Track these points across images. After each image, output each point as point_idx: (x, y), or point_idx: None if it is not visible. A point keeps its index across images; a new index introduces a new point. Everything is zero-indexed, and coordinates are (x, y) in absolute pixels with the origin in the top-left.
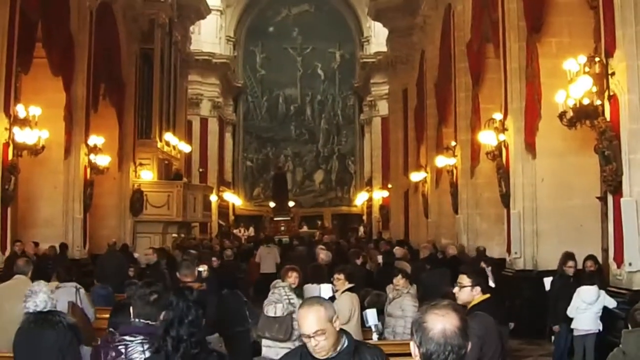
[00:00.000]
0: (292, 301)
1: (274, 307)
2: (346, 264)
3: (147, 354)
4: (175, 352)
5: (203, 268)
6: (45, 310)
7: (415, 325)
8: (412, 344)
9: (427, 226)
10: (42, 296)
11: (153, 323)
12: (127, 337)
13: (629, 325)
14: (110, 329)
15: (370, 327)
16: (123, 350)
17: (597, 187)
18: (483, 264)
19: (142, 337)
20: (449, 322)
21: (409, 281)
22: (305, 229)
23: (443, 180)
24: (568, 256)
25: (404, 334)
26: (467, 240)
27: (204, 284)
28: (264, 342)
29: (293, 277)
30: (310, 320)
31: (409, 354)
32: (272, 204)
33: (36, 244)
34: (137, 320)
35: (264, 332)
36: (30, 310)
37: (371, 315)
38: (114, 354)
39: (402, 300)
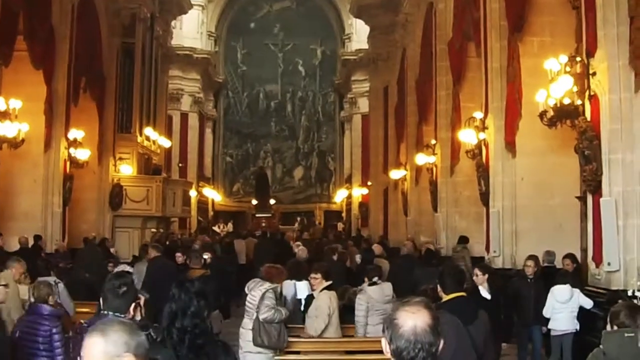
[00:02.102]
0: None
1: (273, 314)
2: (322, 261)
3: None
4: (182, 344)
5: (207, 255)
6: None
7: (387, 322)
8: (383, 340)
9: (406, 224)
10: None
11: (122, 316)
12: None
13: (611, 326)
14: (82, 321)
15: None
16: None
17: (577, 187)
18: (478, 271)
19: None
20: (420, 319)
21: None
22: (295, 226)
23: (423, 178)
24: (529, 257)
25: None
26: (447, 238)
27: (208, 270)
28: (247, 348)
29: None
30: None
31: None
32: (254, 202)
33: None
34: (106, 312)
35: (262, 340)
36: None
37: None
38: (81, 345)
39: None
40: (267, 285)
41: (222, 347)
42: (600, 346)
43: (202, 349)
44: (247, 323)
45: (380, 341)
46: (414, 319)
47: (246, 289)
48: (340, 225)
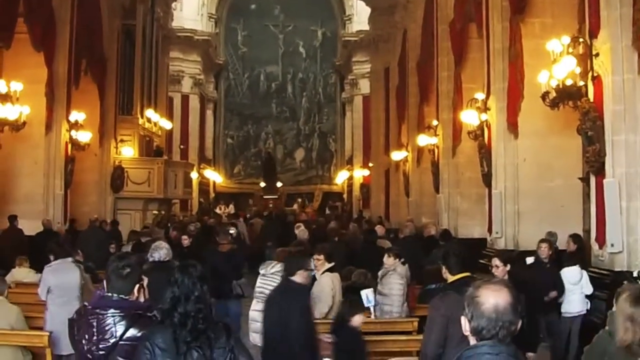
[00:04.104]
0: None
1: None
2: (324, 242)
3: (119, 327)
4: (183, 327)
5: (233, 230)
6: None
7: (468, 300)
8: (463, 318)
9: (407, 205)
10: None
11: (126, 297)
12: (98, 311)
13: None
14: (85, 303)
15: (368, 308)
16: (95, 324)
17: (579, 168)
18: (497, 262)
19: (113, 310)
20: (501, 297)
21: (398, 259)
22: (294, 207)
23: (424, 160)
24: (542, 239)
25: (391, 312)
26: (448, 219)
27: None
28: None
29: None
30: None
31: (396, 332)
32: (262, 184)
33: None
34: (110, 294)
35: None
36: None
37: (367, 295)
38: (85, 327)
39: (389, 278)
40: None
41: (223, 328)
42: (606, 327)
43: (203, 333)
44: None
45: (387, 322)
46: (495, 297)
47: (261, 270)
48: (340, 205)
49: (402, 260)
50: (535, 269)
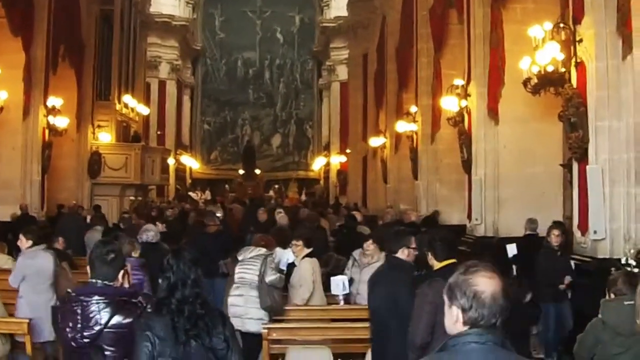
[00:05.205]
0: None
1: (278, 277)
2: (303, 229)
3: (104, 314)
4: (181, 314)
5: (219, 214)
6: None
7: (460, 289)
8: (451, 309)
9: (385, 192)
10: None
11: (110, 284)
12: (82, 298)
13: (608, 294)
14: (69, 290)
15: (337, 295)
16: (79, 311)
17: (560, 154)
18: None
19: (97, 297)
20: (497, 284)
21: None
22: (271, 193)
23: (402, 146)
24: (554, 224)
25: None
26: (427, 206)
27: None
28: (250, 314)
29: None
30: None
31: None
32: (241, 172)
33: None
34: (94, 280)
35: (269, 302)
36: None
37: (343, 282)
38: (69, 314)
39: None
40: (264, 251)
41: (220, 316)
42: (599, 315)
43: (201, 319)
44: (247, 290)
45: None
46: (493, 285)
47: (239, 256)
48: (320, 187)
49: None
50: (545, 257)
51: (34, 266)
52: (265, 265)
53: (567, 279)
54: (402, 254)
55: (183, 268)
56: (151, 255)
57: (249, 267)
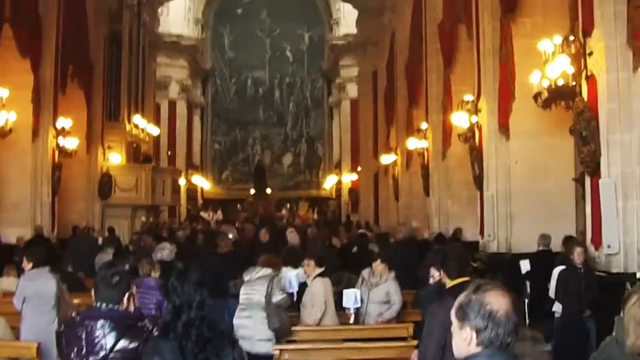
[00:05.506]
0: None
1: (286, 298)
2: (314, 248)
3: (109, 339)
4: (188, 338)
5: (232, 235)
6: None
7: (473, 309)
8: (463, 330)
9: (397, 209)
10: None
11: (115, 307)
12: (87, 322)
13: (623, 312)
14: (74, 314)
15: (348, 308)
16: (83, 336)
17: (572, 169)
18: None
19: (102, 320)
20: (509, 301)
21: (388, 266)
22: (283, 212)
23: (413, 163)
24: (576, 242)
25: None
26: (439, 222)
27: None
28: (260, 336)
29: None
30: None
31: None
32: (252, 191)
33: None
34: (99, 304)
35: (276, 323)
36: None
37: (355, 295)
38: (74, 339)
39: (388, 285)
40: (271, 271)
41: (228, 339)
42: (613, 333)
43: (209, 342)
44: (255, 311)
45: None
46: (506, 303)
47: (245, 277)
48: (333, 203)
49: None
50: (567, 276)
51: (34, 287)
52: (272, 286)
53: (588, 312)
54: None
55: (188, 290)
56: (167, 273)
57: (255, 288)
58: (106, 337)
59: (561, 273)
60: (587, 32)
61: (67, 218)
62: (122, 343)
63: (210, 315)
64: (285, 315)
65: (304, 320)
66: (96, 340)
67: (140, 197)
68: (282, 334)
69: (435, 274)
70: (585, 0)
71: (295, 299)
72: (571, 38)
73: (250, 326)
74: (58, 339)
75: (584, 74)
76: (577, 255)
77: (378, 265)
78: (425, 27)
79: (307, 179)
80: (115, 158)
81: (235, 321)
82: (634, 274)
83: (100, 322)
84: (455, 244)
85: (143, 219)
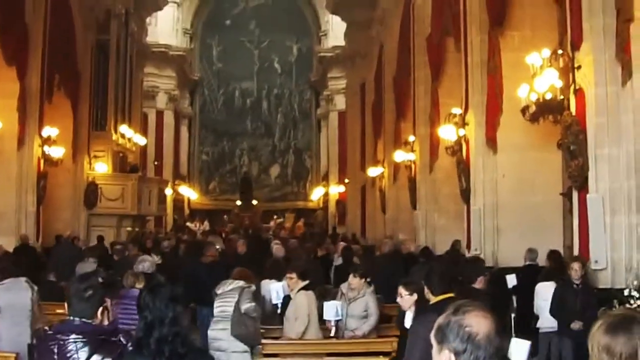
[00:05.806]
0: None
1: (254, 306)
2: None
3: (81, 354)
4: (161, 355)
5: (218, 246)
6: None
7: (452, 331)
8: (442, 352)
9: (384, 221)
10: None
11: (89, 321)
12: (59, 336)
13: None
14: (46, 327)
15: (329, 321)
16: (55, 350)
17: (559, 183)
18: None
19: (75, 335)
20: (491, 323)
21: (365, 280)
22: (271, 224)
23: (401, 176)
24: (574, 258)
25: (369, 332)
26: (426, 236)
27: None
28: (233, 348)
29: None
30: None
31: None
32: (238, 202)
33: None
34: (72, 318)
35: (240, 330)
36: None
37: (337, 307)
38: (46, 353)
39: (367, 299)
40: (242, 283)
41: (202, 355)
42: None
43: (183, 359)
44: (229, 323)
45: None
46: (487, 325)
47: (218, 290)
48: (320, 213)
49: (369, 280)
50: (563, 292)
51: (7, 298)
52: (242, 296)
53: (579, 324)
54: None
55: (159, 306)
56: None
57: (228, 300)
58: (78, 352)
59: (557, 289)
60: (575, 46)
61: (53, 227)
62: (95, 358)
63: (184, 330)
64: (252, 324)
65: (286, 333)
66: (68, 355)
67: (126, 206)
68: (247, 342)
69: (403, 293)
70: (574, 13)
71: (279, 311)
72: (559, 52)
73: (226, 338)
74: (30, 352)
75: (572, 87)
76: (575, 272)
77: (353, 279)
78: (414, 39)
79: (294, 191)
80: (101, 167)
81: (210, 332)
82: (622, 290)
83: (72, 337)
84: (454, 256)
85: (129, 228)
